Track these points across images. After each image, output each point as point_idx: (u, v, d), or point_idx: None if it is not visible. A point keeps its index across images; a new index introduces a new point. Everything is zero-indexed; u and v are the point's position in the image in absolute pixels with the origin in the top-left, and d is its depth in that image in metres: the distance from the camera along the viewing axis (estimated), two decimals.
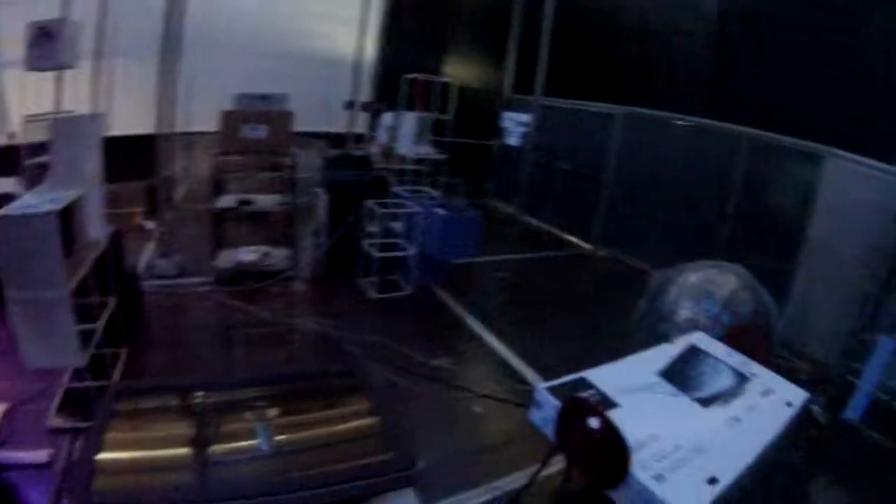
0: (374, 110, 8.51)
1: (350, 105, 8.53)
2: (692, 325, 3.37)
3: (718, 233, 5.83)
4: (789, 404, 2.35)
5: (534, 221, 8.19)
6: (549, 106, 8.11)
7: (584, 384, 2.19)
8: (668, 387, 2.29)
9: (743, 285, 3.73)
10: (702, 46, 6.37)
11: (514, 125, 8.73)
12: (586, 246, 7.33)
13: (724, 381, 2.43)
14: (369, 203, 5.25)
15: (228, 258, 5.17)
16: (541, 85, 8.16)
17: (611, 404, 2.07)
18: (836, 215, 4.88)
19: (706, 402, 2.25)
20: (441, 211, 5.16)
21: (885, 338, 3.85)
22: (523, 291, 5.79)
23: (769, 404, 2.32)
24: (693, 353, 2.61)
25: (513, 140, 8.77)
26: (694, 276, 3.86)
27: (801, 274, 5.09)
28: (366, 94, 8.99)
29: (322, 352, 4.19)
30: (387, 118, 7.71)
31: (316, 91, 7.49)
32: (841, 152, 4.87)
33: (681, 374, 2.40)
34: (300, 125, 5.46)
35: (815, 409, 3.72)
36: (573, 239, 7.57)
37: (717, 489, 1.74)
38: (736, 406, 2.25)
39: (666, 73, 6.79)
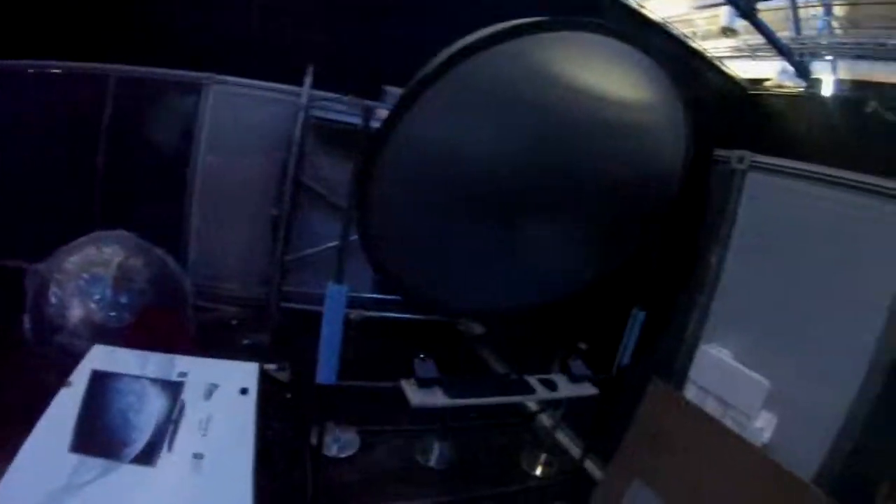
0: None
1: None
2: (91, 326, 2.79)
3: (95, 196, 4.83)
4: (244, 391, 2.01)
5: None
6: None
7: None
8: (90, 464, 1.66)
9: (130, 252, 3.20)
10: None
11: None
12: None
13: (153, 408, 1.87)
14: None
15: None
16: None
17: None
18: (224, 143, 4.62)
19: (148, 456, 1.73)
20: None
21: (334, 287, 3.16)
22: None
23: (222, 406, 1.93)
24: (101, 386, 1.92)
25: None
26: (71, 261, 3.07)
27: (195, 214, 4.72)
28: None
29: None
30: None
31: None
32: (225, 77, 4.56)
33: (99, 432, 1.77)
34: None
35: (272, 368, 3.43)
36: None
37: None
38: (185, 438, 1.79)
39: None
